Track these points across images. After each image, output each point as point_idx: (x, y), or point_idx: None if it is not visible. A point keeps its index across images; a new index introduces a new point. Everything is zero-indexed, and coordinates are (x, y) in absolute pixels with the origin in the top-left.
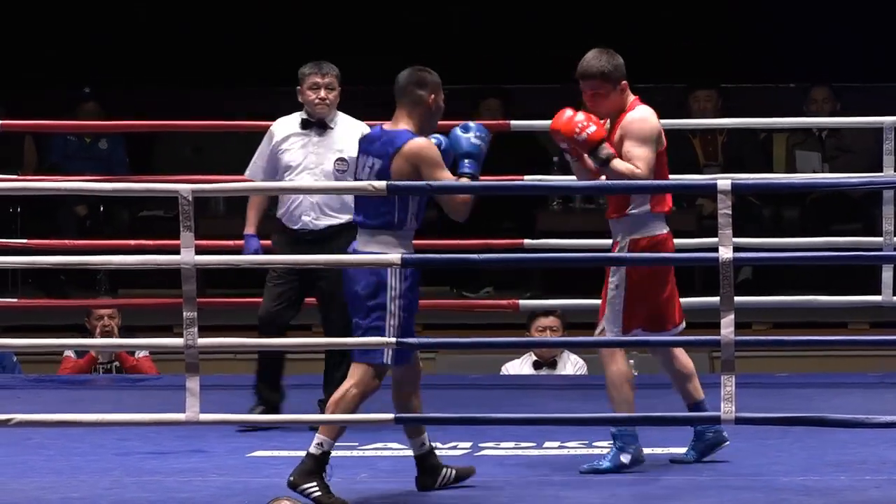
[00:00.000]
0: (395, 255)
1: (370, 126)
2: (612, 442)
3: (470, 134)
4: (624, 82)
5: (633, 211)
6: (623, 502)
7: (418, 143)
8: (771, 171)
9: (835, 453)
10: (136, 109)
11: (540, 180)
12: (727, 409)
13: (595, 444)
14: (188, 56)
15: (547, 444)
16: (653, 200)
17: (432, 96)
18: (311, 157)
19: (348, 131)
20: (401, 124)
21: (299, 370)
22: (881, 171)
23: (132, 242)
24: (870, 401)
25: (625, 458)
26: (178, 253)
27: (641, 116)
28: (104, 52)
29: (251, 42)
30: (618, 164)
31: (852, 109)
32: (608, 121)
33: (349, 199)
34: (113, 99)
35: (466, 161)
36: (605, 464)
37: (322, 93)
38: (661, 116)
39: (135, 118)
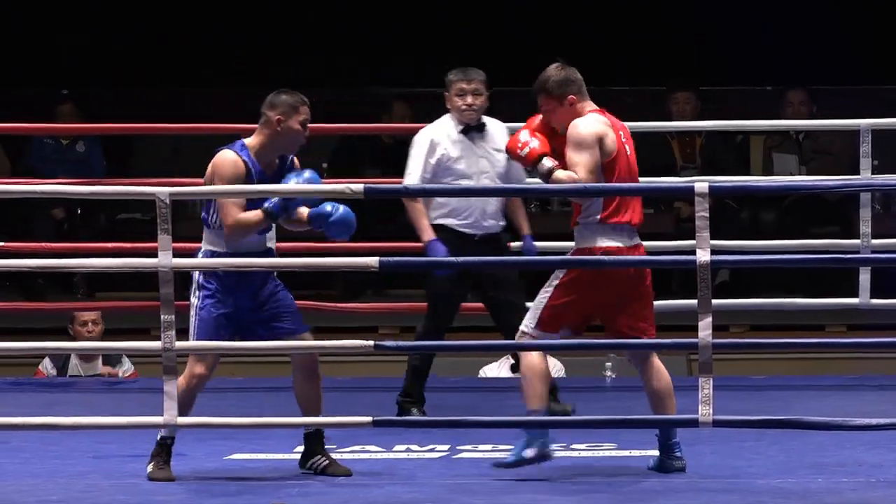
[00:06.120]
0: (372, 259)
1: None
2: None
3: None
4: (571, 97)
5: (581, 220)
6: None
7: (220, 156)
8: (748, 173)
9: (812, 455)
10: (113, 111)
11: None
12: (704, 412)
13: (573, 446)
14: (167, 57)
15: None
16: (604, 210)
17: (279, 118)
18: (483, 161)
19: (499, 131)
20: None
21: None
22: (858, 174)
23: (110, 245)
24: (847, 403)
25: (529, 453)
26: (155, 256)
27: (574, 124)
28: (81, 54)
29: (229, 44)
30: (559, 174)
31: (829, 112)
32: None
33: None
34: (90, 101)
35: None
36: (510, 458)
37: (469, 99)
38: (639, 119)
39: (112, 120)
